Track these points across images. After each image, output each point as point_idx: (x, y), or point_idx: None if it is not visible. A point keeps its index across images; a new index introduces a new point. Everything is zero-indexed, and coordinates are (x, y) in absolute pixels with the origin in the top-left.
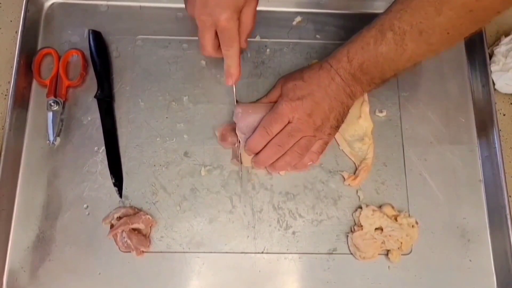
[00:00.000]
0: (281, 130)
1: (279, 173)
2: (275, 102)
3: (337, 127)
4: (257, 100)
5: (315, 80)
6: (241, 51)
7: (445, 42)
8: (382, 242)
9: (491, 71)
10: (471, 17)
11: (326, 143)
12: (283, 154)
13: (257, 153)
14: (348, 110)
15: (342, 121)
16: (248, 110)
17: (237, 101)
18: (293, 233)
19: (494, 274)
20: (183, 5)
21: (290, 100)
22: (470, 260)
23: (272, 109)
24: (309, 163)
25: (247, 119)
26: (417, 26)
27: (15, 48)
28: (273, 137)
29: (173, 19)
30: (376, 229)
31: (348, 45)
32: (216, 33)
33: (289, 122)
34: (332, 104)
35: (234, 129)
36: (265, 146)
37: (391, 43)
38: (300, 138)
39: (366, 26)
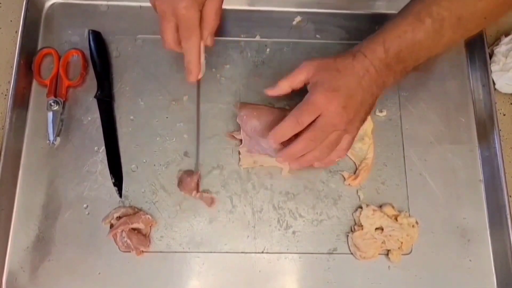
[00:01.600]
0: (312, 122)
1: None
2: (298, 88)
3: (364, 120)
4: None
5: (349, 70)
6: (207, 49)
7: (480, 27)
8: (382, 242)
9: (491, 71)
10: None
11: (353, 138)
12: (313, 150)
13: (280, 147)
14: (376, 101)
15: (369, 113)
16: (252, 113)
17: (241, 103)
18: (293, 233)
19: (494, 274)
20: None
21: (325, 91)
22: (470, 260)
23: (305, 98)
24: (337, 160)
25: (252, 121)
26: (456, 12)
27: (15, 48)
28: (304, 130)
29: None
30: (376, 229)
31: (383, 34)
32: (177, 25)
33: (320, 115)
34: (365, 97)
35: (189, 175)
36: (291, 139)
37: (430, 30)
38: (332, 132)
39: (399, 15)
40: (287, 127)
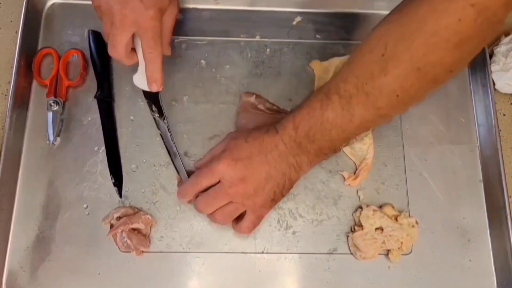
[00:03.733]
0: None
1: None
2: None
3: (273, 201)
4: (210, 150)
5: (257, 143)
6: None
7: (395, 106)
8: (382, 242)
9: (491, 71)
10: (420, 76)
11: (258, 218)
12: (214, 211)
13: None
14: (291, 184)
15: (282, 196)
16: (250, 121)
17: (244, 100)
18: (293, 233)
19: (494, 274)
20: (183, 5)
21: (227, 159)
22: (470, 260)
23: (207, 162)
24: (242, 234)
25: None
26: (363, 88)
27: (15, 48)
28: (203, 195)
29: None
30: (376, 229)
31: (295, 111)
32: (132, 34)
33: (219, 182)
34: (271, 173)
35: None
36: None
37: (338, 107)
38: (228, 203)
39: (315, 92)
40: (188, 187)
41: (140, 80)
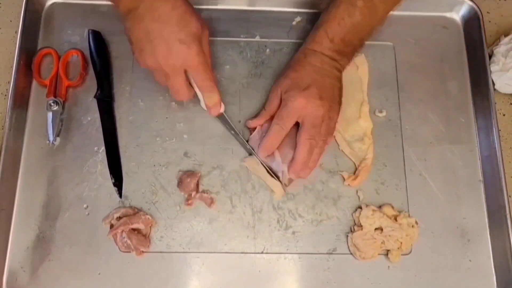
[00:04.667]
0: (300, 128)
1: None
2: (274, 112)
3: (339, 102)
4: (257, 115)
5: (307, 66)
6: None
7: None
8: (382, 242)
9: (491, 71)
10: None
11: (335, 122)
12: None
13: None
14: (341, 84)
15: (341, 96)
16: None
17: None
18: (293, 233)
19: (494, 274)
20: None
21: (298, 93)
22: (470, 260)
23: (282, 106)
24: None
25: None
26: None
27: (15, 48)
28: (303, 135)
29: None
30: (376, 229)
31: (324, 25)
32: (185, 74)
33: (304, 116)
34: (332, 82)
35: (189, 176)
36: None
37: (364, 10)
38: (321, 125)
39: (331, 5)
40: (273, 137)
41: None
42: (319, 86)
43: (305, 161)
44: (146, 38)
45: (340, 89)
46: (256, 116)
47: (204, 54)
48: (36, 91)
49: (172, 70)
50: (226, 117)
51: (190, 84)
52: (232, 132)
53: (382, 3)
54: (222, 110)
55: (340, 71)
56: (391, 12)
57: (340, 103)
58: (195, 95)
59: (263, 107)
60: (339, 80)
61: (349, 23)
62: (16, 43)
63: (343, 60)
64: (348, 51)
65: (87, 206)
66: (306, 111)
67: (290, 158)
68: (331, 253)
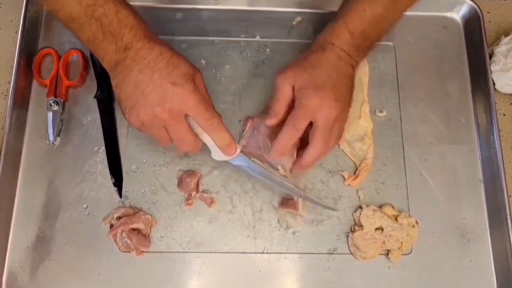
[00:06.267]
0: (312, 128)
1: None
2: (289, 101)
3: (350, 104)
4: (264, 109)
5: (325, 63)
6: None
7: None
8: (382, 242)
9: (491, 71)
10: None
11: (345, 124)
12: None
13: (297, 157)
14: (354, 82)
15: (352, 96)
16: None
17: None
18: (293, 233)
19: (494, 274)
20: (183, 5)
21: (314, 92)
22: (470, 260)
23: (297, 105)
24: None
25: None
26: None
27: (15, 48)
28: (317, 136)
29: (173, 19)
30: (376, 229)
31: (344, 18)
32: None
33: (317, 117)
34: (346, 82)
35: (189, 175)
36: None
37: (386, 2)
38: (334, 126)
39: None
40: (286, 138)
41: (218, 154)
42: (335, 86)
43: (315, 161)
44: (136, 90)
45: (352, 88)
46: (264, 112)
47: (201, 92)
48: (36, 91)
49: (171, 117)
50: (246, 158)
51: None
52: (261, 174)
53: None
54: (239, 150)
55: (354, 68)
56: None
57: (350, 104)
58: (204, 146)
59: (263, 107)
60: (352, 78)
61: (370, 15)
62: (16, 43)
63: (359, 56)
64: (365, 46)
65: (87, 206)
66: (320, 112)
67: (289, 152)
68: (331, 253)
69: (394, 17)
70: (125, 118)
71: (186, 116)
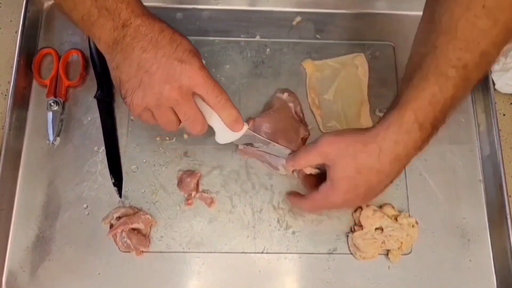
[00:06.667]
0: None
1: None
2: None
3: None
4: (264, 109)
5: (375, 144)
6: None
7: (500, 49)
8: (382, 242)
9: (491, 71)
10: None
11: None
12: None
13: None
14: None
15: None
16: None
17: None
18: (293, 233)
19: (494, 274)
20: (183, 5)
21: (348, 190)
22: (470, 260)
23: (322, 192)
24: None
25: (264, 125)
26: (477, 48)
27: (15, 48)
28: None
29: (173, 19)
30: (376, 229)
31: (412, 104)
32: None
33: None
34: (390, 174)
35: (189, 175)
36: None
37: (458, 80)
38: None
39: (415, 76)
40: (306, 206)
41: (223, 137)
42: (375, 189)
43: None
44: (140, 70)
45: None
46: (265, 112)
47: (206, 69)
48: (36, 91)
49: (180, 95)
50: (252, 132)
51: None
52: (262, 145)
53: (476, 70)
54: (246, 127)
55: (410, 159)
56: (393, 12)
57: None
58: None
59: (263, 106)
60: (402, 168)
61: (441, 100)
62: (16, 43)
63: (417, 149)
64: (432, 133)
65: (87, 206)
66: (344, 204)
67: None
68: (331, 253)
69: (466, 95)
70: (125, 103)
71: (193, 94)
